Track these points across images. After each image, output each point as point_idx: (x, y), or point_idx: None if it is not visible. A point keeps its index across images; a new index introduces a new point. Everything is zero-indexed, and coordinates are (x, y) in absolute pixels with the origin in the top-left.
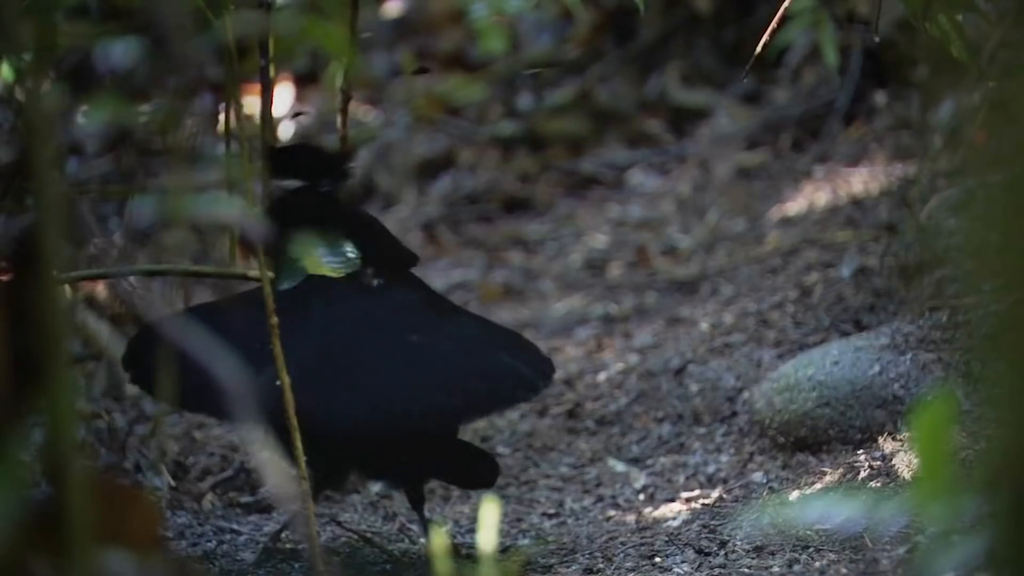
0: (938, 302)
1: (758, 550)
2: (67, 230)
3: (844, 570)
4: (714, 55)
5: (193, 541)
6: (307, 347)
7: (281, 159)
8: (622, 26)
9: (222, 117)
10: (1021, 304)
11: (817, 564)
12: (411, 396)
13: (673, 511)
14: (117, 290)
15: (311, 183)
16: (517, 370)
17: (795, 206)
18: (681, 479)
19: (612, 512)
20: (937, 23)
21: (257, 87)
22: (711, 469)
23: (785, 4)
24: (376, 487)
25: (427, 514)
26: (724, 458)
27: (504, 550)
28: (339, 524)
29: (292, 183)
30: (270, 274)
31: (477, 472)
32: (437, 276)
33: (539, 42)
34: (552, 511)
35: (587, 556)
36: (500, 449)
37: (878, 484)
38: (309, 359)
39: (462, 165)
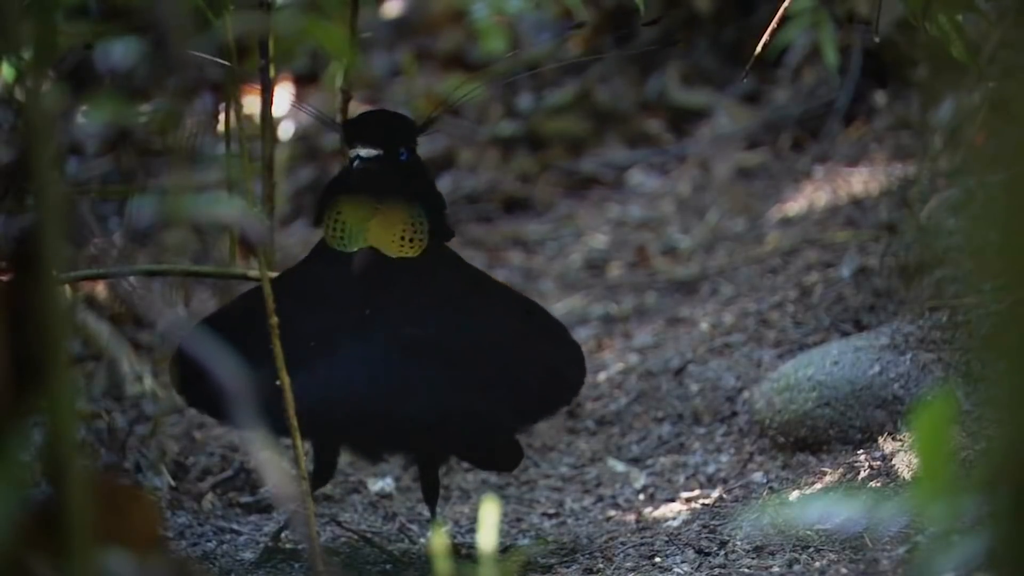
0: (938, 302)
1: (758, 550)
2: (67, 230)
3: (844, 570)
4: (714, 55)
5: (193, 541)
6: (362, 329)
7: (360, 129)
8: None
9: (222, 117)
10: (1021, 304)
11: (817, 564)
12: (471, 401)
13: (673, 511)
14: (117, 290)
15: (388, 151)
16: (563, 373)
17: (795, 206)
18: (681, 479)
19: (612, 512)
20: (937, 23)
21: (257, 87)
22: (711, 469)
23: (785, 4)
24: (377, 485)
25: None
26: (724, 458)
27: (504, 550)
28: (339, 524)
29: (368, 152)
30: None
31: (500, 454)
32: None
33: (539, 42)
34: (552, 511)
35: (587, 556)
36: None
37: (878, 484)
38: (365, 347)
39: (462, 165)
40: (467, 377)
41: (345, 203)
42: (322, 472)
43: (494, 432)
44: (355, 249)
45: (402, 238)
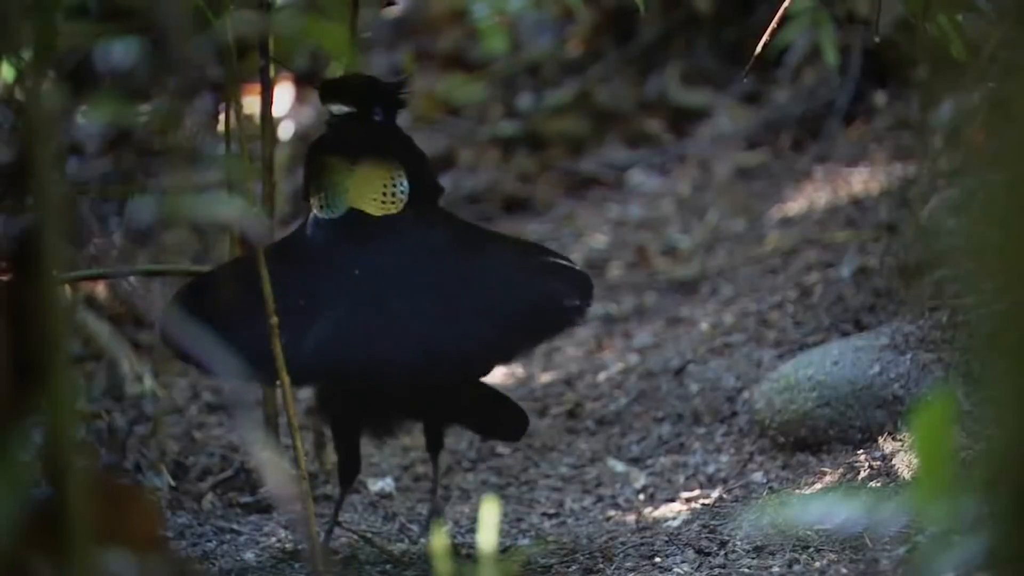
0: (938, 302)
1: (758, 550)
2: (67, 230)
3: (844, 570)
4: (714, 55)
5: (193, 541)
6: (351, 287)
7: (334, 87)
8: (622, 26)
9: (222, 117)
10: (1021, 304)
11: (817, 564)
12: (459, 334)
13: (673, 511)
14: (117, 290)
15: (363, 111)
16: (561, 294)
17: (795, 206)
18: (681, 479)
19: (612, 512)
20: (937, 23)
21: (257, 87)
22: (711, 469)
23: (785, 4)
24: (377, 485)
25: (440, 467)
26: (724, 458)
27: (504, 550)
28: (339, 524)
29: (340, 109)
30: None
31: (504, 422)
32: None
33: (539, 42)
34: (552, 511)
35: (587, 556)
36: (500, 449)
37: (878, 484)
38: (355, 299)
39: (462, 165)
40: (455, 311)
41: (325, 169)
42: (348, 466)
43: (487, 358)
44: (339, 213)
45: (383, 195)
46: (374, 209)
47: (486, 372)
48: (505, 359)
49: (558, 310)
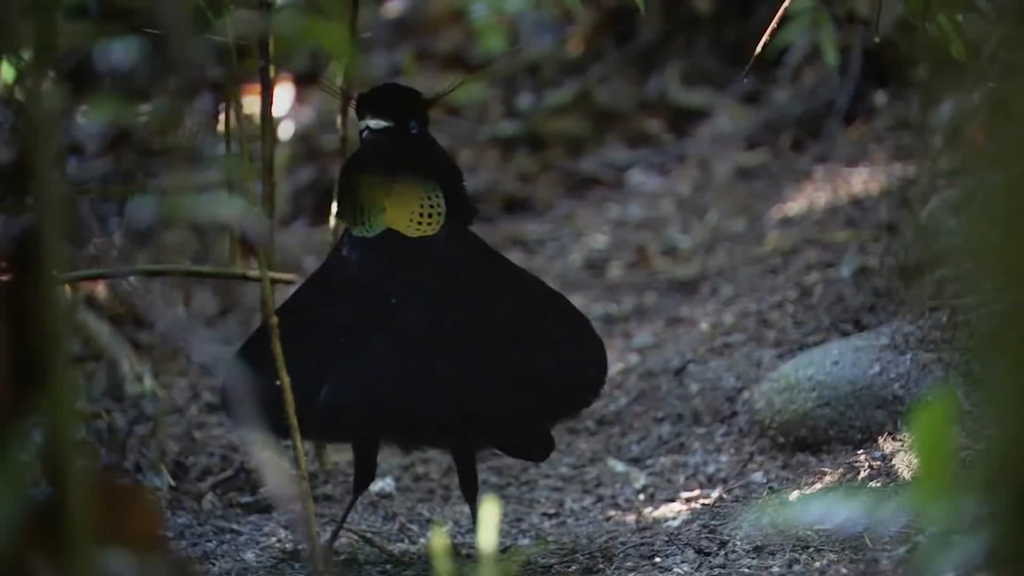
0: (938, 302)
1: (758, 550)
2: (67, 230)
3: (844, 570)
4: (714, 55)
5: (193, 541)
6: (384, 324)
7: (372, 100)
8: (622, 26)
9: (222, 117)
10: (1021, 304)
11: (817, 564)
12: (495, 399)
13: (673, 511)
14: (117, 290)
15: (399, 124)
16: (586, 371)
17: (795, 206)
18: (681, 479)
19: (612, 512)
20: (937, 23)
21: (257, 87)
22: (711, 469)
23: (785, 4)
24: (377, 485)
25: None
26: (724, 458)
27: (504, 550)
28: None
29: (378, 123)
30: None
31: (534, 444)
32: None
33: (539, 42)
34: (552, 511)
35: (587, 556)
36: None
37: (878, 484)
38: (386, 345)
39: (462, 165)
40: (492, 374)
41: (361, 186)
42: (363, 472)
43: (518, 431)
44: (375, 233)
45: (420, 216)
46: (410, 230)
47: (519, 435)
48: (535, 430)
49: (584, 385)
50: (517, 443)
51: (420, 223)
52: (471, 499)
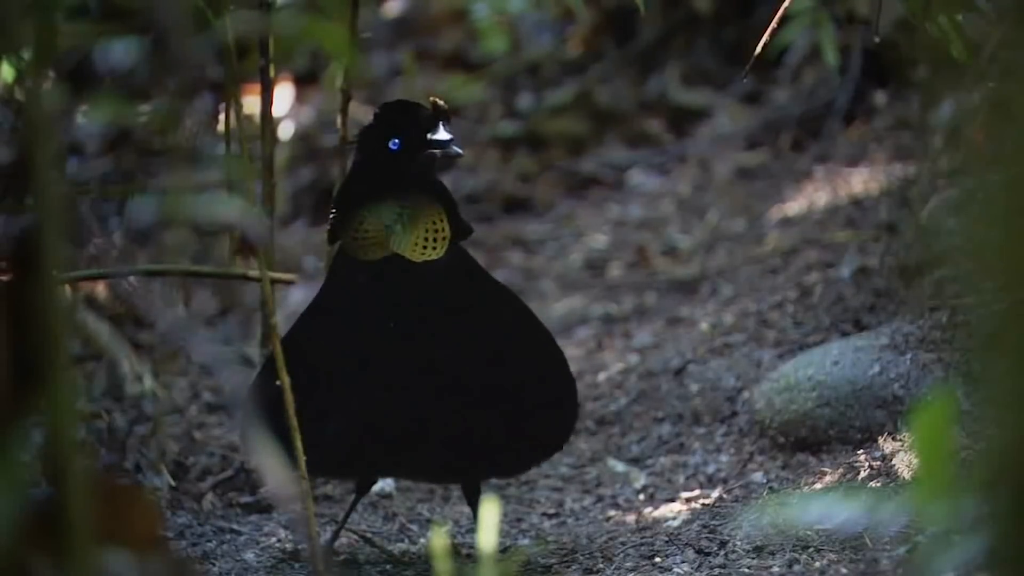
0: (938, 302)
1: (758, 550)
2: (67, 230)
3: (844, 570)
4: (714, 55)
5: (193, 541)
6: (388, 358)
7: (385, 117)
8: (622, 26)
9: (222, 117)
10: (1021, 304)
11: (817, 564)
12: (496, 439)
13: (673, 511)
14: (117, 290)
15: (412, 143)
16: (567, 411)
17: (795, 206)
18: (681, 479)
19: (612, 512)
20: (937, 23)
21: (257, 87)
22: (711, 469)
23: (785, 4)
24: (377, 486)
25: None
26: (724, 458)
27: (504, 550)
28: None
29: (444, 135)
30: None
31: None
32: None
33: (539, 42)
34: (552, 511)
35: (587, 556)
36: None
37: (878, 484)
38: (389, 379)
39: (462, 165)
40: (492, 414)
41: (372, 211)
42: (363, 485)
43: (513, 469)
44: (380, 257)
45: (425, 240)
46: (416, 255)
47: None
48: (525, 468)
49: (564, 423)
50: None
51: (425, 248)
52: (474, 505)
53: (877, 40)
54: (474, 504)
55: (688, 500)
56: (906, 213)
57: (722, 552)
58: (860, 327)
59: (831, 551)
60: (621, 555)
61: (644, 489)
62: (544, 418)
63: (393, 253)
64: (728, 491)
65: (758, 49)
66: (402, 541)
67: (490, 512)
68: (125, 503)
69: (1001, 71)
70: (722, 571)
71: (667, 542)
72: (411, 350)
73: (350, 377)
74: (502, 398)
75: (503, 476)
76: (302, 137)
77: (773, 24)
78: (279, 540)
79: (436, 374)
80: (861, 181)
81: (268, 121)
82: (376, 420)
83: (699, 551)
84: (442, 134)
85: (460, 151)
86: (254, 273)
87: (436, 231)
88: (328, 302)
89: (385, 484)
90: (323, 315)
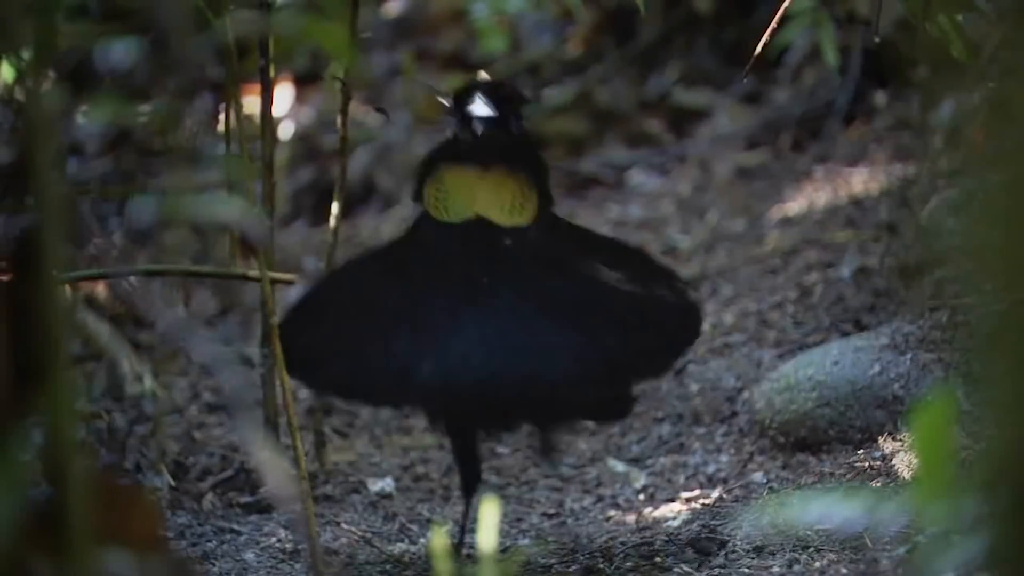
0: (938, 302)
1: (758, 550)
2: (67, 230)
3: (844, 570)
4: (714, 55)
5: (193, 541)
6: (479, 300)
7: (477, 91)
8: (622, 26)
9: (222, 117)
10: (1021, 304)
11: (817, 564)
12: (598, 365)
13: (673, 511)
14: (117, 290)
15: (501, 120)
16: (682, 321)
17: (795, 206)
18: (681, 479)
19: (612, 512)
20: (937, 23)
21: (257, 87)
22: (711, 469)
23: (785, 4)
24: (377, 486)
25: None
26: (724, 458)
27: (504, 550)
28: (339, 524)
29: (485, 112)
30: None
31: (616, 405)
32: None
33: (539, 42)
34: (552, 511)
35: (587, 556)
36: (500, 449)
37: (878, 484)
38: (483, 317)
39: None
40: (592, 341)
41: (449, 172)
42: (470, 474)
43: (620, 393)
44: (460, 219)
45: (512, 206)
46: (503, 218)
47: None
48: (634, 383)
49: (682, 334)
50: (600, 410)
51: (512, 213)
52: (549, 459)
53: (877, 40)
54: (546, 449)
55: (688, 500)
56: (906, 213)
57: (722, 552)
58: (860, 327)
59: (831, 551)
60: (621, 555)
61: (644, 489)
62: (645, 341)
63: (477, 216)
64: (728, 491)
65: (758, 49)
66: (402, 541)
67: (490, 512)
68: (125, 503)
69: (1001, 71)
70: (722, 571)
71: (667, 542)
72: (498, 291)
73: (444, 321)
74: (593, 332)
75: (587, 415)
76: (302, 137)
77: (773, 24)
78: (279, 540)
79: (524, 313)
80: (861, 181)
81: (268, 121)
82: (467, 360)
83: (699, 551)
84: (476, 109)
85: (480, 128)
86: (254, 273)
87: (524, 198)
88: (398, 251)
89: (385, 484)
90: (392, 261)
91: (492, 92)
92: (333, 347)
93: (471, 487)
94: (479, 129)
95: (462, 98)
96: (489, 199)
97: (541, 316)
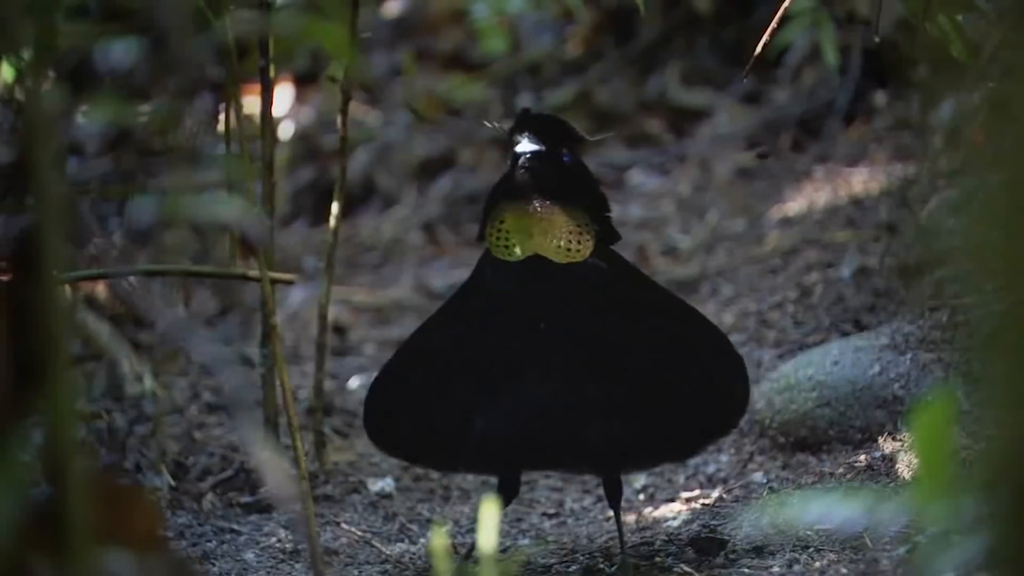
0: (938, 302)
1: (758, 550)
2: (67, 230)
3: (844, 570)
4: (714, 55)
5: (193, 541)
6: (535, 351)
7: (521, 123)
8: (622, 26)
9: (222, 117)
10: (1021, 304)
11: (817, 564)
12: (649, 430)
13: (673, 511)
14: (117, 290)
15: (551, 150)
16: (734, 392)
17: (795, 206)
18: (681, 479)
19: (612, 512)
20: (937, 23)
21: (257, 87)
22: (711, 469)
23: (785, 4)
24: (377, 486)
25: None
26: (724, 458)
27: (504, 550)
28: (339, 524)
29: (530, 146)
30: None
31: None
32: (437, 276)
33: (539, 42)
34: (552, 511)
35: (587, 556)
36: None
37: (878, 484)
38: (538, 373)
39: (462, 165)
40: (645, 404)
41: (509, 210)
42: (507, 490)
43: (671, 457)
44: (521, 258)
45: (568, 243)
46: (559, 257)
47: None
48: (687, 455)
49: (731, 409)
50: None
51: (569, 250)
52: (615, 505)
53: (877, 40)
54: (614, 499)
55: (688, 500)
56: (906, 213)
57: (722, 552)
58: (860, 327)
59: (831, 551)
60: (621, 555)
61: (644, 489)
62: (704, 405)
63: (534, 254)
64: (728, 491)
65: (758, 49)
66: (402, 541)
67: (490, 512)
68: (125, 503)
69: (1001, 71)
70: (722, 571)
71: (667, 542)
72: (555, 341)
73: (500, 374)
74: (652, 389)
75: (671, 461)
76: (302, 137)
77: (773, 24)
78: (279, 540)
79: (581, 366)
80: (861, 181)
81: (268, 121)
82: (523, 415)
83: (699, 551)
84: (523, 146)
85: (526, 164)
86: (254, 273)
87: (580, 235)
88: (468, 295)
89: (385, 484)
90: (463, 307)
91: (540, 126)
92: (400, 412)
93: (507, 501)
94: (525, 164)
95: (513, 131)
96: (544, 237)
97: (589, 370)
